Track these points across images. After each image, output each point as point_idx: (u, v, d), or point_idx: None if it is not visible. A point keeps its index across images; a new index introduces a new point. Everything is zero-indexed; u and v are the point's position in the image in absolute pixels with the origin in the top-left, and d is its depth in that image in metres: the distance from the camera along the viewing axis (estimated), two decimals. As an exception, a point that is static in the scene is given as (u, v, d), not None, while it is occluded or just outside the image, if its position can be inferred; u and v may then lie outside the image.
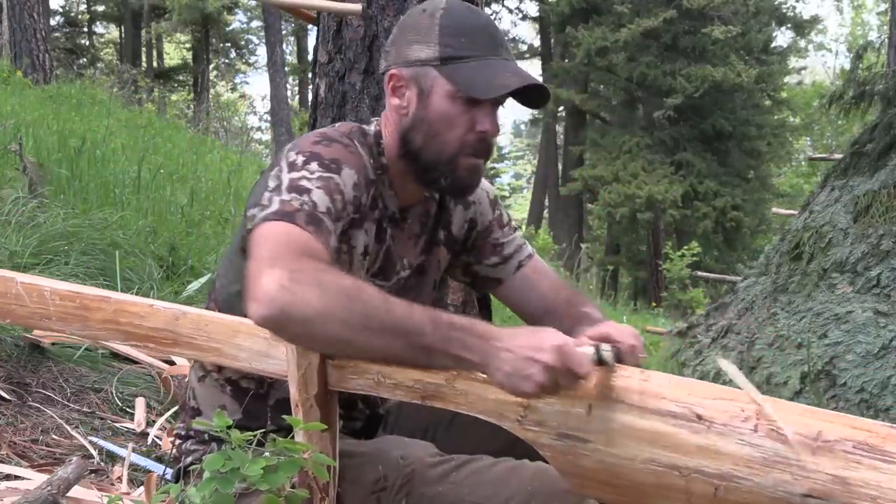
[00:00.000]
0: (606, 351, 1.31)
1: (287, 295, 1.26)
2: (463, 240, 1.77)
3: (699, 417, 1.30)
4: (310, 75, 5.95)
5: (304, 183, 1.43)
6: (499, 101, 1.57)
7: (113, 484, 2.08)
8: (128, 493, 1.99)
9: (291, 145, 1.54)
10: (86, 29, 29.94)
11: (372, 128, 1.64)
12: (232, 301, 1.59)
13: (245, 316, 1.38)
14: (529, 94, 1.56)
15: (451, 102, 1.53)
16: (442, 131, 1.54)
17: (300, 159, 1.47)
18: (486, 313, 2.96)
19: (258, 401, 1.60)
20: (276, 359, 1.51)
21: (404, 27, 1.59)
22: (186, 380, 1.71)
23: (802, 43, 25.87)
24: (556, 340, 1.28)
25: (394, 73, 1.57)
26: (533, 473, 1.39)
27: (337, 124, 1.64)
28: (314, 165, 1.46)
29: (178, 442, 1.70)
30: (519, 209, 32.73)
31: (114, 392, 2.61)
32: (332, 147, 1.51)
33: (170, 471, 1.82)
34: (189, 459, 1.63)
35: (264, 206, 1.42)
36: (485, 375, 1.33)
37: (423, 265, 1.73)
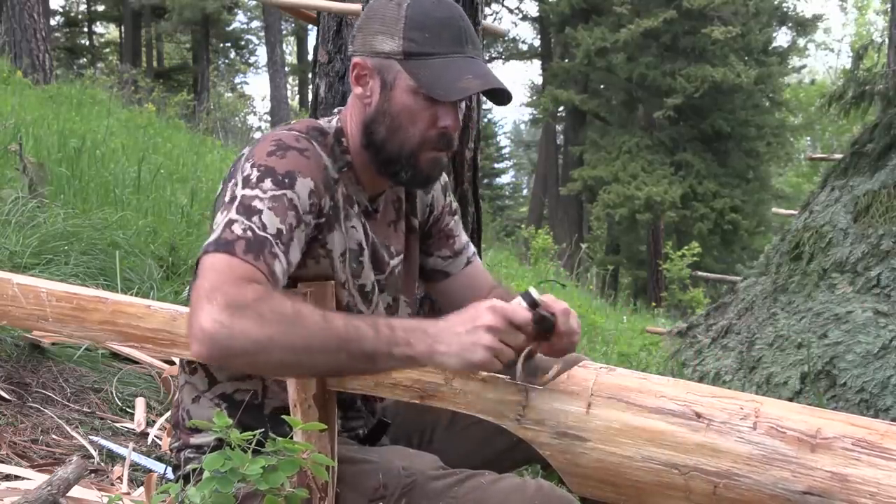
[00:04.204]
0: (534, 292, 1.35)
1: (223, 330, 1.28)
2: (422, 224, 1.77)
3: (698, 415, 1.30)
4: (310, 75, 5.95)
5: (256, 203, 1.42)
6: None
7: (113, 484, 2.08)
8: (128, 493, 1.99)
9: (249, 152, 1.52)
10: (86, 29, 29.95)
11: (333, 124, 1.62)
12: None
13: None
14: (494, 92, 1.55)
15: (413, 97, 1.52)
16: (404, 125, 1.53)
17: (254, 174, 1.45)
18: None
19: (254, 414, 1.59)
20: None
21: (371, 15, 1.56)
22: (177, 398, 1.70)
23: (803, 42, 25.81)
24: (486, 304, 1.33)
25: (357, 62, 1.55)
26: (534, 492, 1.38)
27: (295, 122, 1.62)
28: (268, 183, 1.44)
29: (173, 456, 1.70)
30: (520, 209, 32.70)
31: (114, 392, 2.61)
32: (287, 157, 1.48)
33: (171, 471, 1.82)
34: (189, 466, 1.63)
35: (212, 230, 1.43)
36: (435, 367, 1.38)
37: (408, 252, 1.73)
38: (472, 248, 1.83)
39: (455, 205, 1.83)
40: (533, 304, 1.34)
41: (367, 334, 1.33)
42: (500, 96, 1.56)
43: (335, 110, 1.67)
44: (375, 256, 1.63)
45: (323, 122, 1.63)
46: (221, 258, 1.36)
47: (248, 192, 1.43)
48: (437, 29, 1.51)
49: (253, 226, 1.39)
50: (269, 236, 1.40)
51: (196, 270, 1.39)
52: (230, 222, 1.40)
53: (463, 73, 1.51)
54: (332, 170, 1.56)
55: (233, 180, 1.48)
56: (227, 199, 1.45)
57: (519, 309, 1.33)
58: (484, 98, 1.62)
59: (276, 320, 1.30)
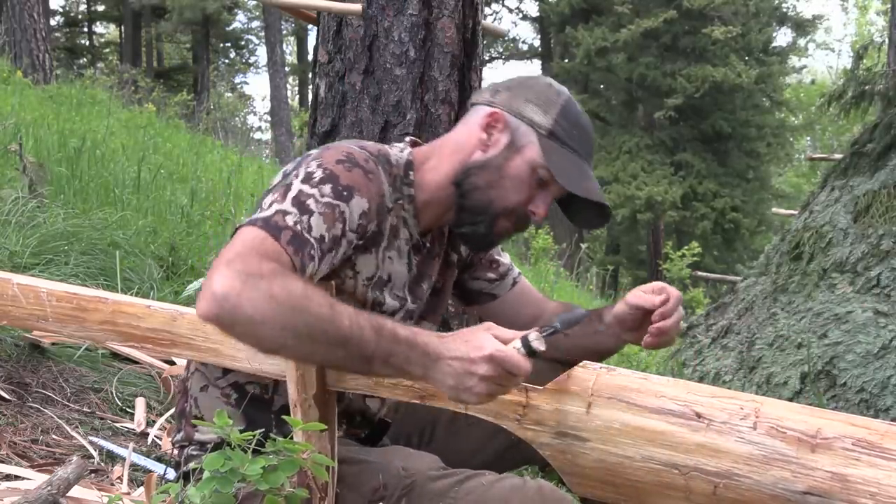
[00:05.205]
0: (535, 341, 1.32)
1: (233, 296, 1.29)
2: (462, 258, 1.80)
3: (698, 415, 1.30)
4: (310, 75, 5.96)
5: (310, 203, 1.43)
6: (560, 194, 1.62)
7: (113, 484, 2.08)
8: (128, 493, 1.99)
9: (322, 150, 1.55)
10: (86, 29, 29.95)
11: (404, 156, 1.63)
12: None
13: None
14: (590, 213, 1.64)
15: (530, 171, 1.58)
16: (506, 188, 1.58)
17: (318, 174, 1.47)
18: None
19: (262, 409, 1.60)
20: (275, 358, 1.51)
21: (526, 85, 1.63)
22: (184, 386, 1.69)
23: (803, 42, 25.82)
24: (487, 349, 1.30)
25: (496, 114, 1.60)
26: (534, 493, 1.38)
27: (369, 143, 1.63)
28: (327, 188, 1.45)
29: (175, 452, 1.70)
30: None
31: (114, 392, 2.61)
32: (353, 172, 1.50)
33: (171, 471, 1.82)
34: (191, 465, 1.63)
35: (262, 208, 1.44)
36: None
37: (442, 286, 1.75)
38: (517, 270, 1.86)
39: None
40: (531, 354, 1.31)
41: (369, 337, 1.32)
42: (595, 219, 1.67)
43: (407, 139, 1.69)
44: (415, 287, 1.65)
45: (394, 150, 1.64)
46: (262, 235, 1.38)
47: (305, 188, 1.45)
48: (582, 131, 1.62)
49: (301, 224, 1.41)
50: (311, 239, 1.41)
51: (232, 236, 1.41)
52: (284, 212, 1.41)
53: (588, 179, 1.60)
54: (389, 199, 1.57)
55: (295, 171, 1.50)
56: (282, 182, 1.48)
57: (519, 361, 1.30)
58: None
59: (285, 298, 1.30)
